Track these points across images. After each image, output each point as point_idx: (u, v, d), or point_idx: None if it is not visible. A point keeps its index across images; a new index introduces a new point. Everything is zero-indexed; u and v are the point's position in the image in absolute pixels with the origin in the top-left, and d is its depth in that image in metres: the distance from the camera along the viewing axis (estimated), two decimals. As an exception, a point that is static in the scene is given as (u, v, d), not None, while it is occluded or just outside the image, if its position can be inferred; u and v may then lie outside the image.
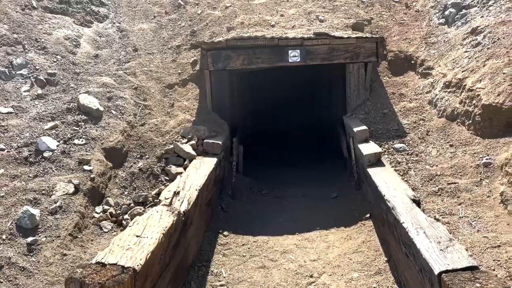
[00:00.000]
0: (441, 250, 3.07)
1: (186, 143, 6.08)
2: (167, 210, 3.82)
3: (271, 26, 8.26)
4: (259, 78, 11.29)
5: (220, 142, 6.06)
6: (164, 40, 8.55)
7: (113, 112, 6.41)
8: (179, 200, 4.16)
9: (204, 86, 7.36)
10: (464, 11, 7.83)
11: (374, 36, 7.00)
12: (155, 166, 5.73)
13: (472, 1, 7.81)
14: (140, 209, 4.92)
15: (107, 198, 5.15)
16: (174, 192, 4.33)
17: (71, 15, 8.48)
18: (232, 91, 8.34)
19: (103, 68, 7.49)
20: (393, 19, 8.51)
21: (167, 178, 5.59)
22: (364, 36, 6.95)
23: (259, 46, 6.91)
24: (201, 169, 5.32)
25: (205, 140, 6.09)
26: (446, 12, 8.03)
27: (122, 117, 6.39)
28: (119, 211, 5.01)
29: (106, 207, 5.02)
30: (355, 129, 6.02)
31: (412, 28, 8.23)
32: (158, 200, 4.81)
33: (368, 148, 5.53)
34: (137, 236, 3.29)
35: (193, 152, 5.88)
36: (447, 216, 4.32)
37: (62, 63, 7.21)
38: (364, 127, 6.00)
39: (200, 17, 9.05)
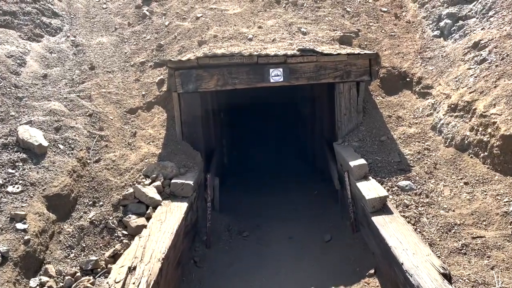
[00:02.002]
0: None
1: (150, 184, 4.97)
2: (115, 307, 2.72)
3: (248, 39, 7.25)
4: (238, 94, 10.24)
5: (191, 182, 4.98)
6: (127, 56, 7.41)
7: (61, 146, 5.25)
8: (134, 283, 3.06)
9: (173, 110, 6.26)
10: (461, 22, 7.02)
11: (367, 52, 6.07)
12: (111, 217, 4.59)
13: (469, 12, 7.00)
14: (88, 280, 3.79)
15: (47, 266, 3.99)
16: (129, 268, 3.22)
17: (16, 28, 7.23)
18: (206, 113, 7.27)
19: (52, 90, 6.30)
20: (383, 31, 7.64)
21: (125, 233, 4.46)
22: (356, 52, 6.00)
23: (235, 64, 5.87)
24: (167, 223, 4.22)
25: (173, 181, 4.99)
26: (441, 24, 7.20)
27: (72, 153, 5.23)
28: (61, 283, 3.87)
29: (44, 278, 3.86)
30: (351, 163, 5.04)
31: (405, 41, 7.36)
32: (110, 267, 3.72)
33: (370, 190, 4.55)
34: None
35: (158, 197, 4.78)
36: (480, 287, 3.37)
37: (2, 86, 5.98)
38: (363, 161, 5.03)
39: (168, 29, 7.96)
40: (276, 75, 5.96)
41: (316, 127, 8.66)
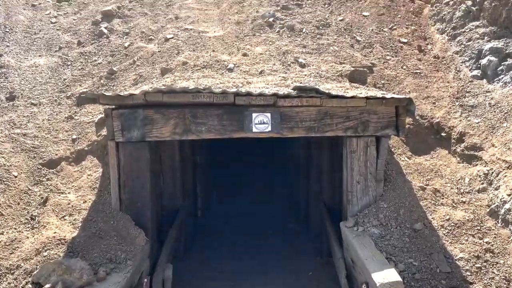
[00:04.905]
0: None
1: (39, 302, 2.90)
2: None
3: (228, 70, 5.35)
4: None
5: (109, 301, 2.92)
6: (64, 84, 5.44)
7: None
8: None
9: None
10: (510, 60, 5.21)
11: (395, 96, 4.16)
12: None
13: (521, 47, 5.21)
14: None
15: None
16: None
17: None
18: (171, 162, 5.24)
19: None
20: (404, 67, 5.78)
21: None
22: (379, 95, 4.09)
23: (202, 104, 3.93)
24: None
25: (77, 297, 2.93)
26: (483, 61, 5.37)
27: None
28: None
29: None
30: (375, 278, 3.02)
31: (434, 82, 5.50)
32: None
33: None
34: None
35: (44, 332, 2.71)
36: None
37: None
38: (396, 277, 3.01)
39: (127, 51, 6.05)
40: (261, 123, 4.02)
41: (312, 182, 6.62)
